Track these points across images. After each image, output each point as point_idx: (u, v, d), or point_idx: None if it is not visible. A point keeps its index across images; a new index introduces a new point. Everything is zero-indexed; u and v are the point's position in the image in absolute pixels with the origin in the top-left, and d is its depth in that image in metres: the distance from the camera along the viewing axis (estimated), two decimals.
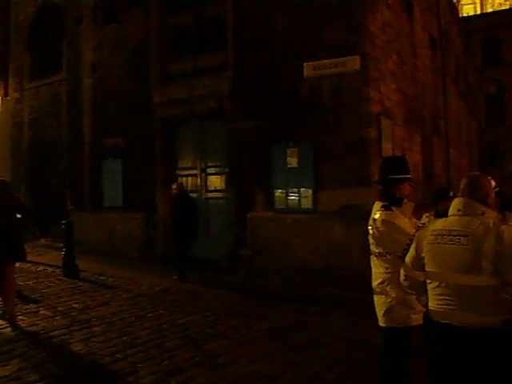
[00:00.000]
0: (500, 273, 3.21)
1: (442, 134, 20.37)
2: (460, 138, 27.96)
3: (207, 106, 13.69)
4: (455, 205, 3.56)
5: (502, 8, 71.15)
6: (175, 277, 11.85)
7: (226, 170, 13.72)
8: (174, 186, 12.67)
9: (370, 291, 4.73)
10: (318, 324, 8.27)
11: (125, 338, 7.46)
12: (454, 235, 3.37)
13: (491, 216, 3.42)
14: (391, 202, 4.58)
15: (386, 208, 4.53)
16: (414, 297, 3.98)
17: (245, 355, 6.72)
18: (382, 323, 4.60)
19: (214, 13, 14.29)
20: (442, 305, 3.42)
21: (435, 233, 3.51)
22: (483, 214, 3.41)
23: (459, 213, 3.49)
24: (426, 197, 14.40)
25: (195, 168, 14.60)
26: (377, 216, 4.54)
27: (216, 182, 14.33)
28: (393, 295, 4.43)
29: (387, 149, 11.83)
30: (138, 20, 15.25)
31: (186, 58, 14.68)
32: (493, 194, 3.68)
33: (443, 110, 20.96)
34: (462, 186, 3.64)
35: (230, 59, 13.37)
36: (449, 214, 3.59)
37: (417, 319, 4.36)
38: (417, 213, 4.93)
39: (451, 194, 7.30)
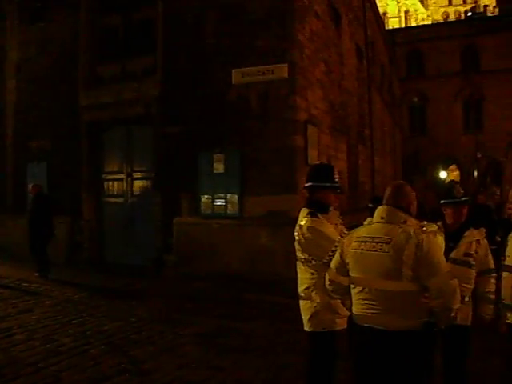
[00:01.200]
0: (419, 279, 3.33)
1: (367, 141, 20.83)
2: (384, 146, 28.64)
3: (135, 110, 13.49)
4: (379, 212, 3.65)
5: (425, 23, 73.58)
6: (36, 274, 12.14)
7: (153, 174, 13.58)
8: (30, 187, 12.90)
9: (294, 296, 4.76)
10: (245, 329, 8.26)
11: (48, 345, 7.22)
12: (377, 242, 3.46)
13: (412, 224, 3.52)
14: (317, 208, 4.62)
15: (312, 215, 4.55)
16: (339, 302, 4.06)
17: (170, 361, 6.65)
18: (307, 328, 4.62)
19: (144, 16, 14.10)
20: (364, 309, 3.50)
21: (359, 239, 3.59)
22: (405, 222, 3.51)
23: (382, 220, 3.58)
24: (350, 203, 14.71)
25: (121, 172, 14.36)
26: (303, 223, 4.55)
27: (142, 186, 14.16)
28: (318, 300, 4.45)
29: (313, 156, 12.00)
30: (66, 20, 14.76)
31: (115, 62, 14.36)
32: (415, 202, 3.78)
33: (368, 118, 21.45)
34: (386, 195, 3.74)
35: (159, 64, 13.23)
36: (372, 221, 3.69)
37: (341, 323, 4.41)
38: (343, 219, 5.02)
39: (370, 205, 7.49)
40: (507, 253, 4.44)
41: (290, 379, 5.93)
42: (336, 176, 4.85)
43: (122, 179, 14.38)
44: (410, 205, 3.70)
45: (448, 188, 4.85)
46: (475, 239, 4.80)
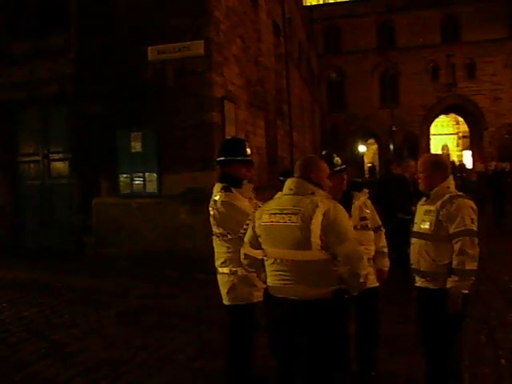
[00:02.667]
0: (328, 247, 3.40)
1: (285, 117, 21.00)
2: (303, 121, 28.93)
3: (50, 89, 13.05)
4: (288, 184, 3.70)
5: (342, 0, 74.25)
6: None
7: (70, 155, 13.29)
8: None
9: (215, 272, 4.81)
10: (167, 307, 8.32)
11: None
12: (286, 214, 3.50)
13: (321, 195, 3.58)
14: (230, 183, 4.67)
15: (225, 189, 4.61)
16: (256, 274, 4.09)
17: (95, 343, 6.62)
18: (226, 301, 4.70)
19: None
20: (278, 280, 3.55)
21: (269, 212, 3.62)
22: (313, 193, 3.57)
23: (291, 192, 3.63)
24: (270, 178, 14.84)
25: (38, 154, 13.96)
26: (217, 197, 4.61)
27: (60, 167, 13.85)
28: (235, 274, 4.54)
29: (230, 132, 12.01)
30: None
31: (27, 39, 13.77)
32: (324, 175, 3.83)
33: (287, 94, 21.58)
34: (296, 167, 3.80)
35: (73, 41, 12.83)
36: (282, 193, 3.73)
37: (259, 296, 4.44)
38: (261, 194, 5.08)
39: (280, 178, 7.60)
40: (415, 220, 4.61)
41: (212, 354, 6.00)
42: (247, 149, 4.91)
43: (38, 161, 13.99)
44: (319, 177, 3.75)
45: (328, 159, 4.98)
46: (362, 201, 4.97)
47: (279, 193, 3.85)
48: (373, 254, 4.96)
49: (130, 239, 11.74)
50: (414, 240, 4.60)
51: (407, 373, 5.33)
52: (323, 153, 5.30)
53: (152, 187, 11.85)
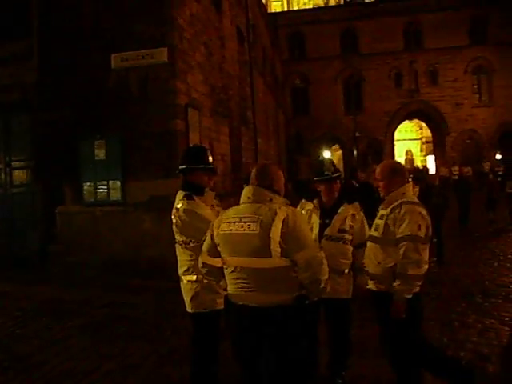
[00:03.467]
0: (288, 254, 3.43)
1: (249, 124, 21.07)
2: (268, 127, 29.02)
3: (11, 97, 12.91)
4: (245, 193, 3.71)
5: (307, 7, 74.85)
6: None
7: (33, 163, 13.14)
8: None
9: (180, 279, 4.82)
10: (132, 315, 8.28)
11: None
12: (245, 222, 3.51)
13: (279, 202, 3.60)
14: (192, 191, 4.69)
15: (187, 197, 4.62)
16: (214, 282, 4.10)
17: (58, 353, 6.56)
18: (189, 309, 4.70)
19: None
20: (238, 288, 3.56)
21: (228, 220, 3.63)
22: (271, 200, 3.59)
23: (249, 200, 3.64)
24: (234, 185, 14.88)
25: None
26: (179, 205, 4.62)
27: (22, 176, 13.66)
28: (198, 281, 4.53)
29: (194, 140, 12.03)
30: None
31: None
32: (282, 181, 3.85)
33: (251, 100, 21.66)
34: (252, 175, 3.80)
35: (35, 48, 12.73)
36: (240, 201, 3.74)
37: (222, 303, 4.50)
38: (226, 201, 5.09)
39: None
40: (373, 225, 4.69)
41: (179, 361, 5.99)
42: (209, 157, 4.92)
43: (0, 169, 13.82)
44: (275, 183, 3.75)
45: (319, 165, 5.02)
46: (350, 214, 5.01)
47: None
48: (346, 267, 5.02)
49: (94, 248, 11.66)
50: (368, 243, 4.70)
51: (373, 375, 5.40)
52: (316, 159, 5.35)
53: (116, 195, 11.80)
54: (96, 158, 11.89)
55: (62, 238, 12.21)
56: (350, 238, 4.99)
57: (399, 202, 4.43)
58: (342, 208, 5.01)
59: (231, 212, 3.73)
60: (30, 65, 12.75)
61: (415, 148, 64.21)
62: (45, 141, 12.44)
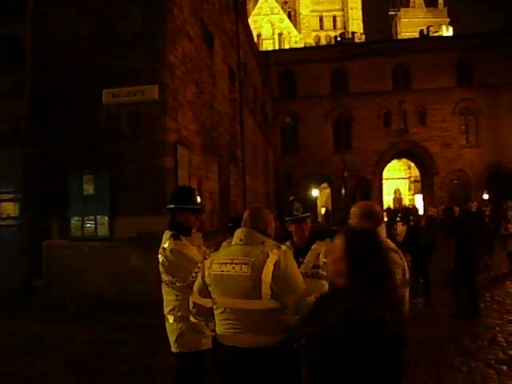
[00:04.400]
0: (278, 296, 3.45)
1: (238, 161, 21.15)
2: (257, 165, 29.11)
3: (2, 129, 12.94)
4: (238, 235, 3.75)
5: (298, 46, 76.04)
6: None
7: (21, 196, 13.12)
8: None
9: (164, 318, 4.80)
10: (117, 353, 8.16)
11: None
12: (237, 263, 3.54)
13: (270, 245, 3.65)
14: (180, 231, 4.72)
15: (174, 237, 4.65)
16: (204, 322, 4.07)
17: None
18: (174, 349, 4.69)
19: (12, 31, 13.61)
20: (227, 329, 3.57)
21: (219, 261, 3.66)
22: (263, 242, 3.63)
23: (241, 242, 3.68)
24: (222, 223, 14.87)
25: None
26: (166, 245, 4.64)
27: (10, 208, 13.60)
28: (183, 321, 4.52)
29: (183, 177, 12.08)
30: None
31: None
32: (273, 224, 3.91)
33: (240, 138, 21.79)
34: (244, 218, 3.84)
35: (29, 82, 12.77)
36: (232, 243, 3.78)
37: (207, 343, 4.49)
38: (213, 238, 5.10)
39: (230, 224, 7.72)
40: None
41: None
42: (197, 198, 4.98)
43: None
44: (268, 226, 3.82)
45: (288, 206, 5.06)
46: (322, 250, 4.96)
47: (225, 242, 3.86)
48: None
49: (80, 283, 11.56)
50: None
51: None
52: (288, 200, 5.36)
53: (103, 231, 11.77)
54: (84, 193, 11.88)
55: (47, 272, 12.10)
56: (325, 273, 4.95)
57: None
58: (314, 245, 5.02)
59: (223, 253, 3.78)
60: (21, 98, 12.78)
61: (403, 187, 64.90)
62: (34, 174, 12.41)
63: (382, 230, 4.57)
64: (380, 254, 2.90)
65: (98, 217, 11.82)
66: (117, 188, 11.62)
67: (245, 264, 3.52)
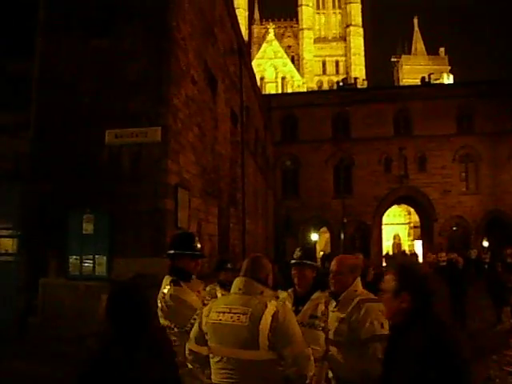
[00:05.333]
0: (275, 347, 3.46)
1: (238, 204, 21.18)
2: (256, 208, 29.13)
3: (4, 165, 13.04)
4: (236, 284, 3.78)
5: (301, 90, 76.83)
6: None
7: (19, 232, 13.12)
8: None
9: None
10: None
11: None
12: (235, 313, 3.56)
13: (269, 295, 3.68)
14: (180, 277, 4.75)
15: (174, 283, 4.68)
16: (199, 370, 4.05)
17: None
18: None
19: (19, 69, 13.81)
20: (223, 378, 3.57)
21: (217, 310, 3.68)
22: (262, 293, 3.66)
23: (240, 292, 3.70)
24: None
25: None
26: (165, 290, 4.66)
27: (8, 244, 13.58)
28: (180, 367, 4.51)
29: (183, 220, 12.11)
30: None
31: None
32: (271, 274, 3.93)
33: (241, 181, 21.87)
34: (243, 267, 3.87)
35: (33, 119, 12.89)
36: (231, 291, 3.81)
37: None
38: (212, 280, 5.12)
39: (229, 265, 7.74)
40: (329, 327, 4.71)
41: None
42: (197, 244, 5.01)
43: None
44: (267, 276, 3.84)
45: (295, 250, 5.11)
46: (322, 301, 4.98)
47: (209, 287, 3.85)
48: (318, 354, 4.97)
49: (76, 322, 11.45)
50: (332, 349, 4.68)
51: None
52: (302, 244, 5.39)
53: (101, 270, 11.74)
54: (84, 232, 11.87)
55: (43, 310, 12.01)
56: (322, 324, 4.94)
57: (356, 301, 4.47)
58: (314, 295, 5.03)
59: (221, 301, 3.80)
60: (25, 135, 12.88)
61: (403, 232, 64.75)
62: (34, 211, 12.44)
63: (359, 283, 4.65)
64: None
65: (97, 256, 11.80)
66: (116, 228, 11.64)
67: (243, 314, 3.54)
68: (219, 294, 6.43)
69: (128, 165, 11.79)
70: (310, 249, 5.51)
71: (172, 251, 4.92)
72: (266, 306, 3.52)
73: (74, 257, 12.00)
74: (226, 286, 7.12)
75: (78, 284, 11.79)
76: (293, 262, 5.14)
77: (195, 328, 3.89)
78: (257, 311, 3.51)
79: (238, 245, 20.17)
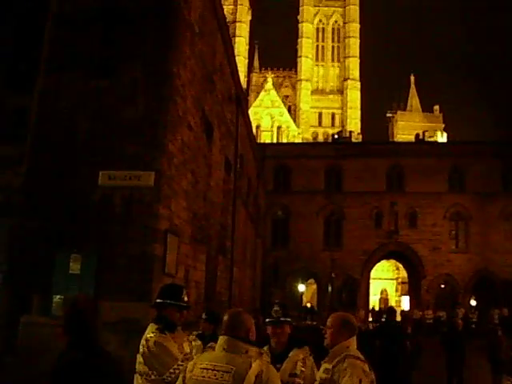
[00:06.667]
0: None
1: (227, 252, 21.12)
2: (245, 257, 29.03)
3: None
4: (220, 343, 3.79)
5: (296, 140, 77.46)
6: None
7: (4, 268, 12.98)
8: None
9: None
10: None
11: None
12: (218, 371, 3.57)
13: (253, 354, 3.69)
14: (165, 326, 4.81)
15: (159, 331, 4.75)
16: None
17: None
18: None
19: (18, 103, 13.92)
20: None
21: (202, 366, 3.69)
22: (247, 352, 3.67)
23: (223, 351, 3.71)
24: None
25: None
26: (149, 336, 4.72)
27: None
28: None
29: (171, 266, 12.06)
30: None
31: None
32: (253, 329, 3.94)
33: (231, 230, 21.85)
34: (224, 323, 3.89)
35: (27, 154, 12.91)
36: (215, 349, 3.82)
37: None
38: (196, 328, 5.12)
39: (203, 316, 7.75)
40: (318, 379, 4.73)
41: None
42: (185, 296, 5.08)
43: None
44: (248, 332, 3.84)
45: (271, 308, 5.14)
46: (300, 358, 5.01)
47: (192, 336, 3.86)
48: None
49: (54, 363, 11.26)
50: None
51: None
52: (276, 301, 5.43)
53: None
54: (70, 272, 11.76)
55: (22, 349, 11.81)
56: (302, 382, 4.95)
57: (343, 355, 4.49)
58: (292, 352, 5.02)
59: (206, 357, 3.81)
60: (18, 169, 12.87)
61: (390, 288, 64.61)
62: (21, 246, 12.34)
63: (354, 341, 4.67)
64: None
65: None
66: (103, 270, 11.54)
67: (227, 372, 3.54)
68: (194, 344, 6.47)
69: (119, 207, 11.78)
70: (285, 305, 5.53)
71: (160, 300, 4.99)
72: (251, 366, 3.53)
73: (58, 296, 11.83)
74: (202, 338, 7.16)
75: (60, 324, 11.57)
76: (271, 320, 5.16)
77: (179, 382, 3.87)
78: (241, 370, 3.51)
79: (224, 293, 20.03)
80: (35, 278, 11.95)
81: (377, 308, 50.55)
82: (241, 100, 24.31)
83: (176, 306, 4.94)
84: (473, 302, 40.36)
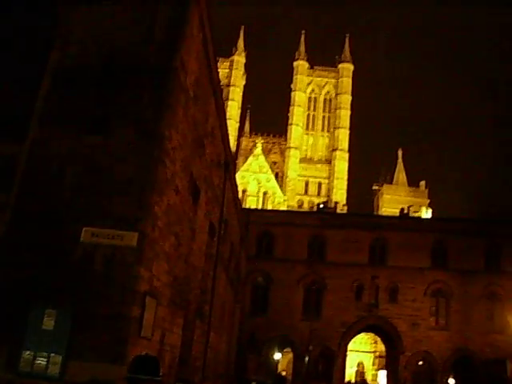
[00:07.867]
0: None
1: (205, 317, 20.88)
2: (223, 322, 28.71)
3: None
4: None
5: (281, 207, 77.76)
6: None
7: None
8: None
9: None
10: None
11: None
12: None
13: None
14: None
15: None
16: None
17: None
18: None
19: (8, 151, 13.97)
20: None
21: None
22: None
23: None
24: (178, 379, 14.50)
25: None
26: None
27: None
28: None
29: (147, 328, 11.92)
30: None
31: None
32: None
33: (210, 295, 21.65)
34: None
35: (12, 203, 12.94)
36: None
37: None
38: None
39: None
40: None
41: None
42: (159, 369, 5.02)
43: None
44: None
45: None
46: None
47: None
48: None
49: None
50: None
51: None
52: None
53: (54, 371, 11.31)
54: (43, 327, 11.58)
55: None
56: None
57: None
58: None
59: None
60: (2, 218, 12.81)
61: (368, 361, 63.78)
62: None
63: None
64: None
65: (52, 355, 11.40)
66: (78, 328, 11.35)
67: None
68: None
69: (100, 265, 11.71)
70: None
71: (130, 375, 4.89)
72: None
73: (28, 352, 11.55)
74: None
75: (29, 382, 11.24)
76: None
77: None
78: None
79: (199, 358, 19.70)
80: (5, 330, 11.69)
81: (353, 381, 49.85)
82: (229, 166, 24.56)
83: (148, 380, 4.84)
84: (451, 381, 39.88)
